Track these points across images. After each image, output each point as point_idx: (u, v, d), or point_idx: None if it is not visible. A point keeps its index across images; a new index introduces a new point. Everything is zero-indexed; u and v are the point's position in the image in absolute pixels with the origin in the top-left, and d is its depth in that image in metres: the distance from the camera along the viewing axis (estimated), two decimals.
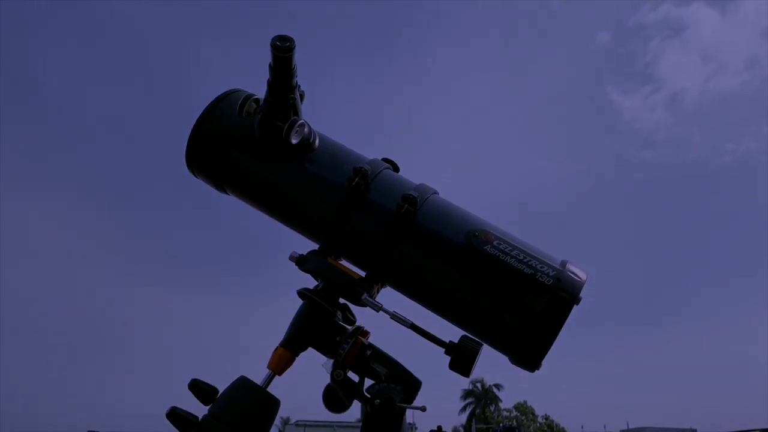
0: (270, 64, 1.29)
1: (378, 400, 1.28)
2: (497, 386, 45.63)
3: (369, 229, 1.39)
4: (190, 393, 1.29)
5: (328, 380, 1.33)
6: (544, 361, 1.33)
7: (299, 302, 1.41)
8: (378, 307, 1.34)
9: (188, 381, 1.30)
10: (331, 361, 1.34)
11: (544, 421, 46.26)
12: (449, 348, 1.33)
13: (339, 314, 1.41)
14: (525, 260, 1.31)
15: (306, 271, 1.40)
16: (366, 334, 1.40)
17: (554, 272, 1.31)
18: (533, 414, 46.32)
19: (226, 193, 1.54)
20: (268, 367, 1.34)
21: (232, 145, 1.46)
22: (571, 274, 1.31)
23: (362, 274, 1.40)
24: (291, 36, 1.26)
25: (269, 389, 1.32)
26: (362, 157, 1.48)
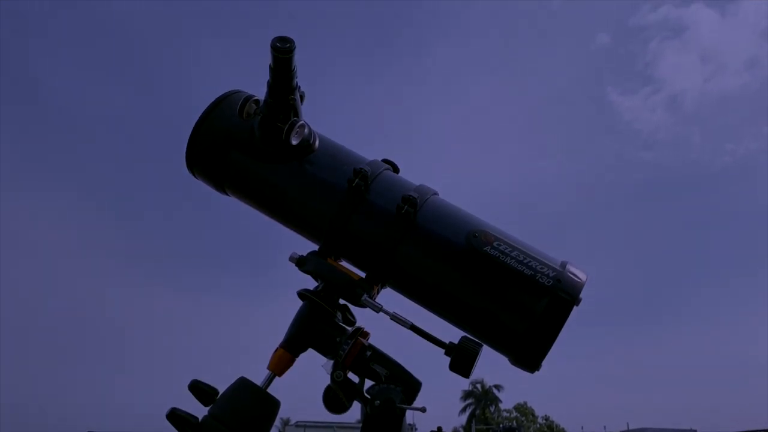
0: (270, 66, 1.29)
1: (378, 401, 1.28)
2: (497, 387, 45.71)
3: (369, 230, 1.39)
4: (190, 393, 1.29)
5: (328, 381, 1.33)
6: (544, 362, 1.33)
7: (299, 303, 1.41)
8: (378, 308, 1.33)
9: (188, 382, 1.30)
10: (331, 362, 1.34)
11: (544, 421, 46.28)
12: (449, 349, 1.32)
13: (339, 315, 1.41)
14: (525, 261, 1.31)
15: (306, 272, 1.40)
16: (366, 335, 1.40)
17: (554, 273, 1.31)
18: (533, 415, 46.33)
19: (227, 194, 1.54)
20: (268, 368, 1.34)
21: (232, 146, 1.46)
22: (571, 275, 1.31)
23: (362, 275, 1.40)
24: (291, 37, 1.26)
25: (269, 390, 1.32)
26: (362, 158, 1.48)
